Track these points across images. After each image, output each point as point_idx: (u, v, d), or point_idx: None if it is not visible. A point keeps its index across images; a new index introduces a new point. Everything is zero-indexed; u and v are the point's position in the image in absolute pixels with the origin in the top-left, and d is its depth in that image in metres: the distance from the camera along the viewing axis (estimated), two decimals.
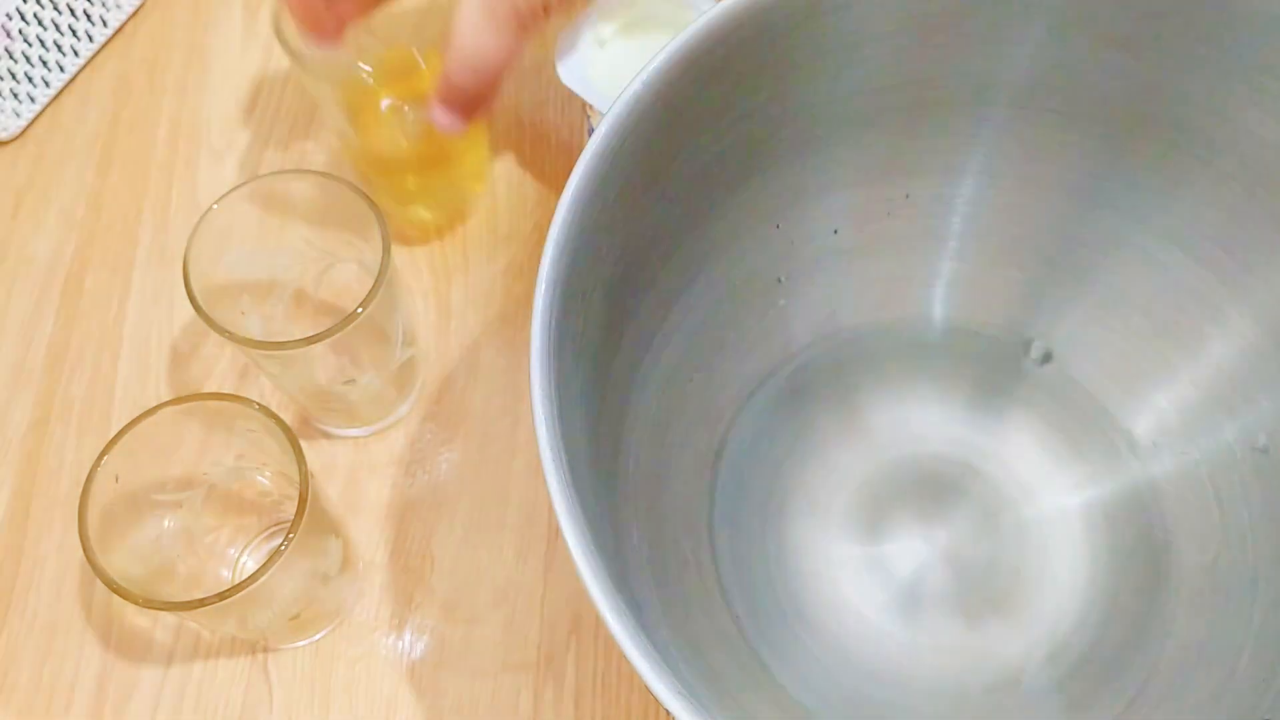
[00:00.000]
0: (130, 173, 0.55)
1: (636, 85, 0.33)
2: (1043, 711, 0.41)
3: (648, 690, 0.44)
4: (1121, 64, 0.38)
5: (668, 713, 0.44)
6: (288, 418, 0.48)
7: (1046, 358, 0.47)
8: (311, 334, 0.40)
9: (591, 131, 0.33)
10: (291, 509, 0.38)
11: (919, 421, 0.46)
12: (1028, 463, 0.45)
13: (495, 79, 0.42)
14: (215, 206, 0.42)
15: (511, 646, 0.44)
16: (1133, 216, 0.43)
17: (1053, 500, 0.45)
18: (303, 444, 0.38)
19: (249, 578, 0.36)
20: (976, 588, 0.43)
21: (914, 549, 0.44)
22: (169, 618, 0.45)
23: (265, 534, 0.46)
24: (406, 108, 0.47)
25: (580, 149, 0.54)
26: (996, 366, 0.47)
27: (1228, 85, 0.37)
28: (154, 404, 0.38)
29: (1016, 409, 0.47)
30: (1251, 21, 0.35)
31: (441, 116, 0.43)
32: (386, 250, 0.41)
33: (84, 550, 0.36)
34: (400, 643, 0.45)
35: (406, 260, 0.52)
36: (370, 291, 0.40)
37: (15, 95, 0.55)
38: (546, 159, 0.55)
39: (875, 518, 0.45)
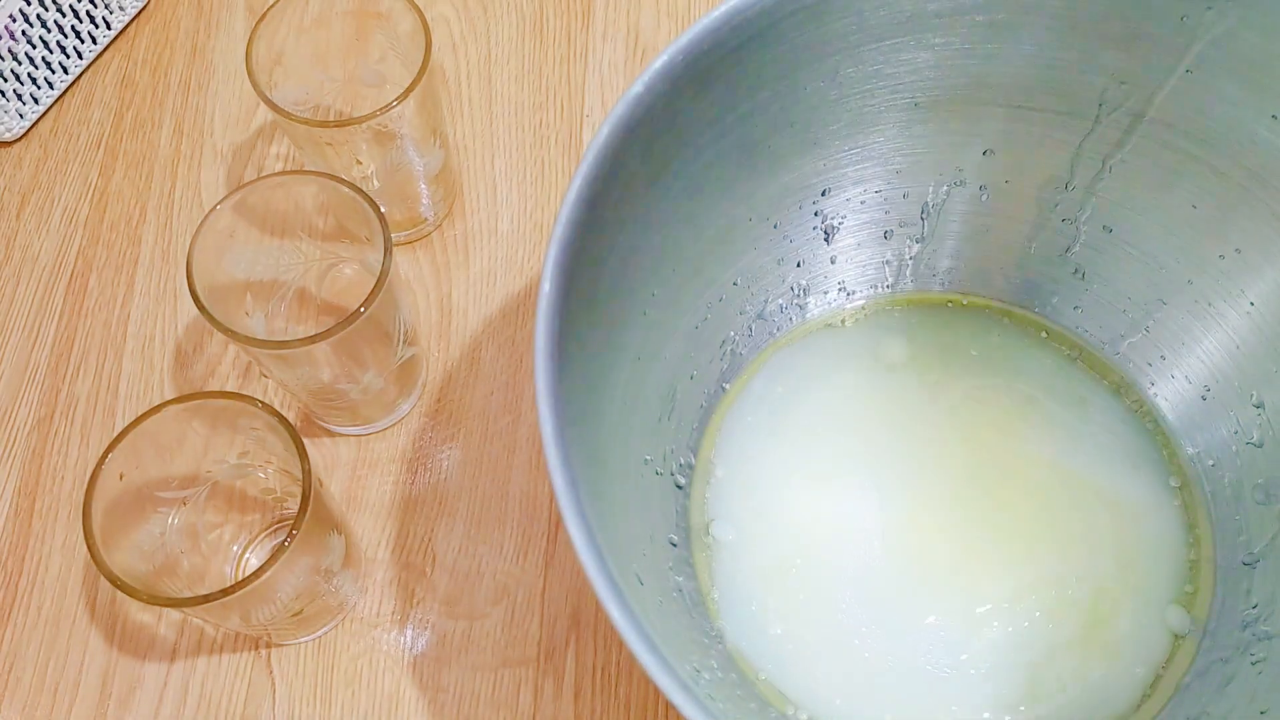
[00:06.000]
0: (134, 173, 0.55)
1: (638, 86, 0.33)
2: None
3: (645, 685, 0.44)
4: (1116, 63, 0.38)
5: (665, 707, 0.44)
6: (291, 416, 0.48)
7: None
8: (314, 333, 0.40)
9: None
10: (294, 506, 0.38)
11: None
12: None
13: None
14: (219, 207, 0.42)
15: (512, 642, 0.45)
16: (1127, 214, 0.43)
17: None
18: (305, 442, 0.38)
19: (252, 574, 0.36)
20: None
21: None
22: (173, 614, 0.45)
23: (268, 531, 0.46)
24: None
25: (581, 149, 0.54)
26: None
27: (1220, 83, 0.37)
28: (158, 402, 0.39)
29: None
30: (1245, 20, 0.36)
31: None
32: (388, 250, 0.41)
33: (88, 547, 0.37)
34: (402, 638, 0.45)
35: (408, 260, 0.53)
36: (372, 291, 0.41)
37: (19, 96, 0.55)
38: (547, 159, 0.55)
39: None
